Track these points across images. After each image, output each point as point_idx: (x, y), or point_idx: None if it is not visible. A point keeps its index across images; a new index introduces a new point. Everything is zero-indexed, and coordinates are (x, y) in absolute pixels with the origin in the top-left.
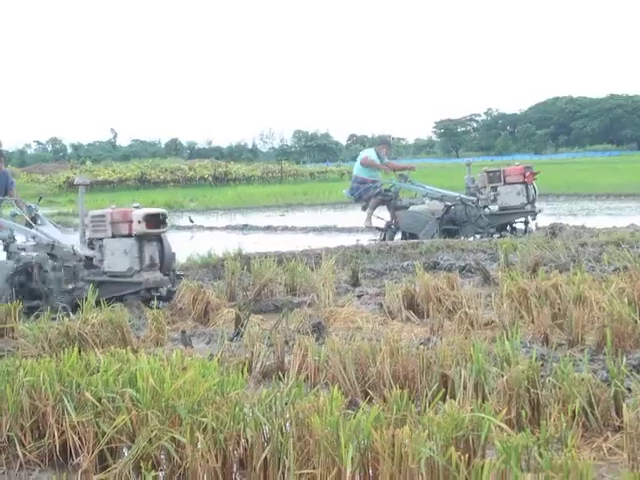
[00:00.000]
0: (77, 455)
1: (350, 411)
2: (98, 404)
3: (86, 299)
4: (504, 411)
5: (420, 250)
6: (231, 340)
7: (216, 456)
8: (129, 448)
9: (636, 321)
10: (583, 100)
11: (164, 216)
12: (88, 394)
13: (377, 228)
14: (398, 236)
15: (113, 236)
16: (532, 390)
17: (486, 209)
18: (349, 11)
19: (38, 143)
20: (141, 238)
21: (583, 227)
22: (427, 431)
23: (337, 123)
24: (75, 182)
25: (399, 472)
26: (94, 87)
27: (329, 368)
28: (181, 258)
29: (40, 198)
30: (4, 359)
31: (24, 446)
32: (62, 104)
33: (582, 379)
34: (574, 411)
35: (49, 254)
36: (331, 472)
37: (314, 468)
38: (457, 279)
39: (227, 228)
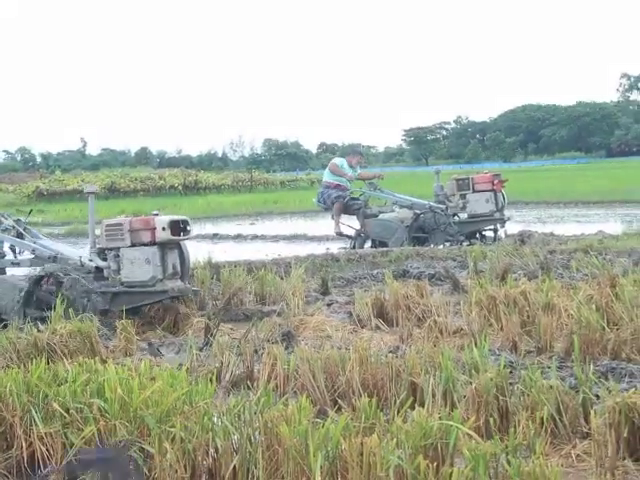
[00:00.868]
0: (45, 466)
1: (319, 420)
2: (66, 415)
3: (103, 312)
4: (473, 419)
5: (390, 258)
6: (200, 350)
7: (185, 466)
8: None
9: (604, 328)
10: (551, 108)
11: (186, 223)
12: (56, 405)
13: (347, 236)
14: (368, 244)
15: (132, 245)
16: (501, 398)
17: (455, 217)
18: (317, 22)
19: (7, 153)
20: (164, 246)
21: (552, 234)
22: (395, 439)
23: (307, 132)
24: (85, 191)
25: None
26: (63, 96)
27: (298, 377)
28: None
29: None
30: None
31: None
32: (31, 113)
33: (550, 386)
34: (542, 418)
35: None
36: None
37: (283, 477)
38: (426, 287)
39: (197, 237)
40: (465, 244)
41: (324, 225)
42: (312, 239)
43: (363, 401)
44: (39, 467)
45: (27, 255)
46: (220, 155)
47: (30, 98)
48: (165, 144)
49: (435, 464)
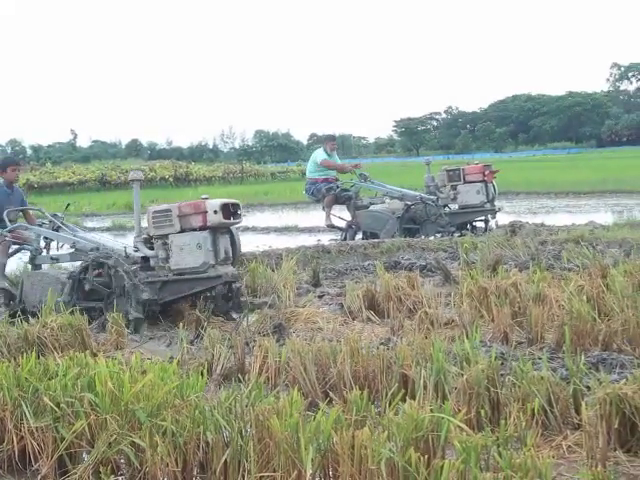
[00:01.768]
0: (36, 460)
1: (310, 413)
2: (57, 409)
3: (152, 301)
4: (464, 411)
5: (381, 250)
6: (191, 343)
7: (176, 460)
8: (88, 453)
9: (595, 319)
10: (542, 98)
11: (237, 206)
12: (46, 399)
13: (338, 228)
14: (359, 236)
15: (182, 230)
16: (492, 389)
17: (446, 208)
18: (309, 11)
19: None
20: (215, 230)
21: (543, 225)
22: (387, 432)
23: (298, 123)
24: (130, 178)
25: (359, 473)
26: (54, 88)
27: (290, 369)
28: None
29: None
30: None
31: None
32: (21, 105)
33: (541, 378)
34: (533, 410)
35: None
36: (291, 474)
37: (274, 470)
38: (418, 278)
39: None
40: (456, 235)
41: (315, 217)
42: (303, 231)
43: (354, 394)
44: (30, 461)
45: (67, 250)
46: (211, 147)
47: (20, 90)
48: (156, 136)
49: (426, 456)
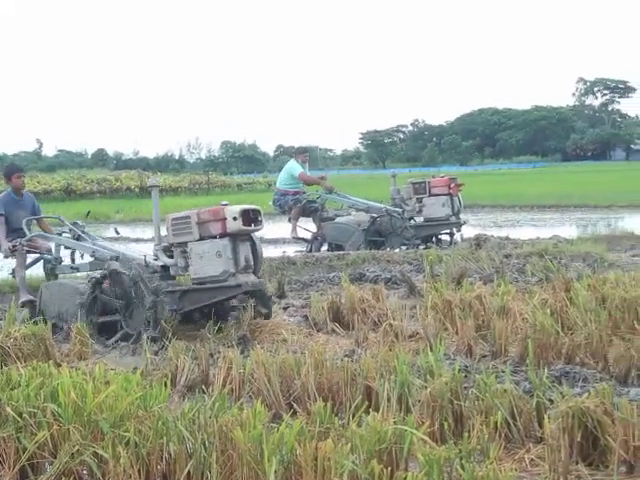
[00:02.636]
0: None
1: (274, 425)
2: (19, 419)
3: (172, 312)
4: (427, 423)
5: (346, 262)
6: (155, 353)
7: (139, 471)
8: (51, 464)
9: (558, 332)
10: (508, 112)
11: (257, 212)
12: (9, 409)
13: (303, 239)
14: (324, 248)
15: (201, 238)
16: (455, 402)
17: (412, 220)
18: (276, 24)
19: None
20: (235, 238)
21: (507, 238)
22: (350, 444)
23: (264, 134)
24: (148, 184)
25: None
26: (19, 96)
27: (254, 381)
28: None
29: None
30: None
31: None
32: None
33: (505, 391)
34: (496, 423)
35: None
36: None
37: None
38: (383, 291)
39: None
40: (421, 248)
41: (281, 228)
42: (269, 242)
43: (318, 405)
44: None
45: (87, 259)
46: (177, 157)
47: None
48: (122, 146)
49: (389, 469)
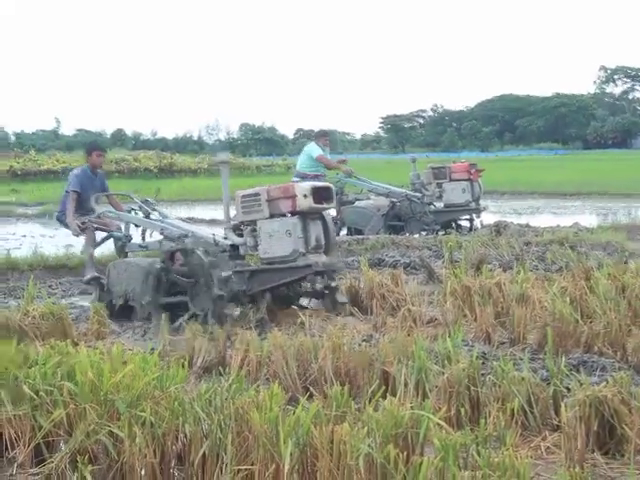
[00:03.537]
0: (13, 448)
1: (290, 407)
2: (36, 397)
3: (241, 293)
4: (444, 409)
5: (365, 246)
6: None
7: (154, 451)
8: (66, 442)
9: (577, 320)
10: (528, 98)
11: (329, 190)
12: (25, 387)
13: None
14: (343, 232)
15: (271, 216)
16: (472, 388)
17: (431, 206)
18: (297, 4)
19: None
20: (305, 216)
21: (527, 226)
22: (366, 428)
23: (284, 117)
24: (217, 160)
25: (337, 469)
26: (38, 74)
27: (271, 364)
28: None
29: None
30: None
31: None
32: (5, 91)
33: (522, 378)
34: (513, 410)
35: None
36: (269, 468)
37: (252, 464)
38: (402, 276)
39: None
40: (441, 233)
41: None
42: None
43: (335, 389)
44: (7, 449)
45: (156, 237)
46: (196, 138)
47: (4, 76)
48: (141, 126)
49: (405, 453)
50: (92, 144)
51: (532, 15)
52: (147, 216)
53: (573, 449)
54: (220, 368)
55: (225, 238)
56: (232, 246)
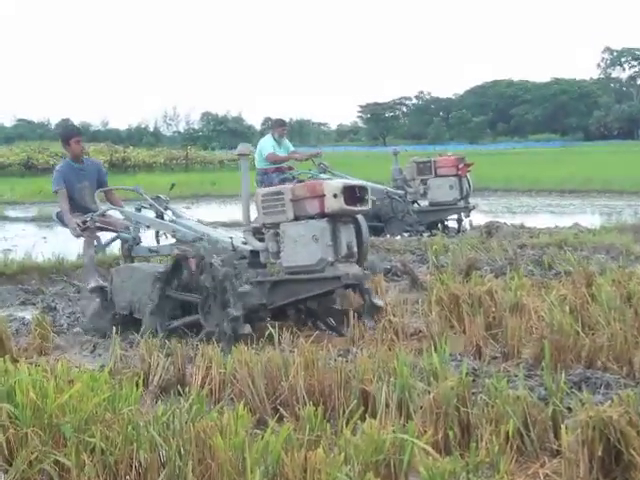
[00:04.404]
0: None
1: (258, 431)
2: None
3: (261, 306)
4: (430, 432)
5: None
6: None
7: None
8: (6, 472)
9: (578, 332)
10: (525, 85)
11: (364, 190)
12: None
13: None
14: None
15: (296, 218)
16: (462, 409)
17: (415, 204)
18: None
19: None
20: (335, 219)
21: (522, 226)
22: (343, 454)
23: (251, 105)
24: (237, 152)
25: None
26: None
27: (236, 382)
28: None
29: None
30: None
31: None
32: None
33: (517, 397)
34: (508, 433)
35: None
36: None
37: None
38: (382, 283)
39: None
40: (425, 235)
41: None
42: None
43: (308, 410)
44: None
45: (169, 240)
46: (152, 129)
47: None
48: (89, 115)
49: None
50: (67, 129)
51: None
52: (160, 216)
53: (575, 477)
54: (179, 387)
55: (244, 243)
56: (252, 252)
